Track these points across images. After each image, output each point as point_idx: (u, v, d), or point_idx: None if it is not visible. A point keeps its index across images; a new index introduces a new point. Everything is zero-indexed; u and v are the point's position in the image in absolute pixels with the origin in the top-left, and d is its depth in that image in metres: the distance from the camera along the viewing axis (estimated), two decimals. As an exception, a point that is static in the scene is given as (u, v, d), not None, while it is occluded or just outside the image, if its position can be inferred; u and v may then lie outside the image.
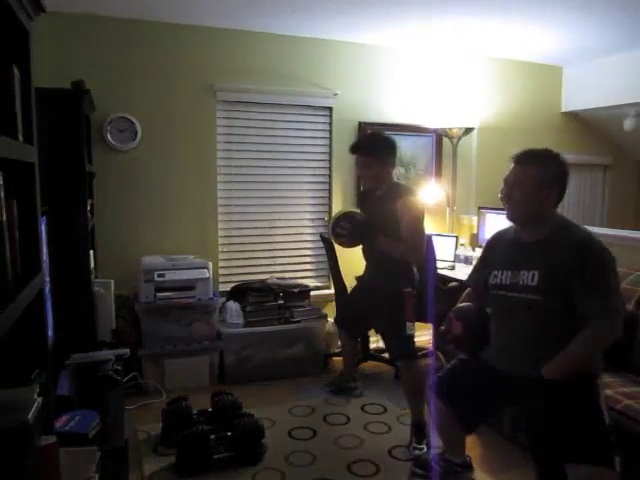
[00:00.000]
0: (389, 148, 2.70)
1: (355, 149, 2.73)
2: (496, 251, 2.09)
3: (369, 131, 2.84)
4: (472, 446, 2.56)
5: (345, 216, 2.70)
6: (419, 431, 2.66)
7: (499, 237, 2.14)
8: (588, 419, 1.76)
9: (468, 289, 2.27)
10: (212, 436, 2.53)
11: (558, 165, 1.89)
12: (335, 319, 3.38)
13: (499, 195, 1.98)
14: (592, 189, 5.36)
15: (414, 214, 2.60)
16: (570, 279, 1.78)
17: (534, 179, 1.85)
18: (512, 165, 1.93)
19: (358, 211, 2.76)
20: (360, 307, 2.91)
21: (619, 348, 2.60)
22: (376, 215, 2.69)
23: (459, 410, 2.10)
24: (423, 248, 2.65)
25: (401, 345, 2.66)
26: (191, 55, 3.71)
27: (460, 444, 2.29)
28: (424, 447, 2.61)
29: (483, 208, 4.13)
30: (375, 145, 2.69)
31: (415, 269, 2.74)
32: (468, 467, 2.33)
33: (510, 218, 1.97)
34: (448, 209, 4.38)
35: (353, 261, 3.90)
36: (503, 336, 1.99)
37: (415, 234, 2.59)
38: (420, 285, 2.77)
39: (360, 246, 2.83)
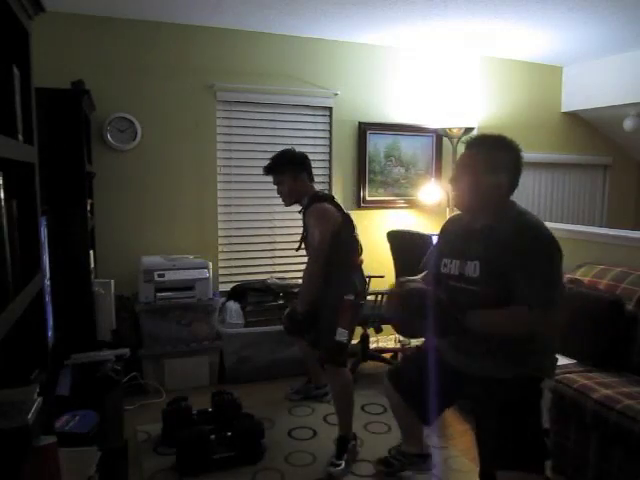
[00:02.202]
0: (294, 160, 2.70)
1: (266, 170, 2.75)
2: (448, 237, 1.99)
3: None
4: (469, 444, 2.56)
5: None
6: (341, 446, 2.56)
7: (452, 222, 2.04)
8: (524, 424, 1.70)
9: (425, 272, 2.13)
10: (212, 436, 2.53)
11: (510, 152, 1.78)
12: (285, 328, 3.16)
13: (450, 179, 1.91)
14: (592, 189, 5.36)
15: (313, 222, 2.57)
16: (507, 269, 1.69)
17: (483, 165, 1.75)
18: (464, 150, 1.85)
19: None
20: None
21: (619, 348, 2.62)
22: (306, 231, 2.68)
23: (414, 400, 2.05)
24: (321, 249, 2.53)
25: (329, 350, 2.56)
26: (191, 55, 3.71)
27: (417, 434, 2.25)
28: (342, 463, 2.50)
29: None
30: (280, 161, 2.71)
31: (362, 273, 2.68)
32: (425, 457, 2.29)
33: (456, 204, 1.89)
34: (448, 209, 4.37)
35: (353, 261, 3.90)
36: None
37: (314, 243, 2.54)
38: (364, 292, 2.70)
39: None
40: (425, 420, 2.13)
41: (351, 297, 2.58)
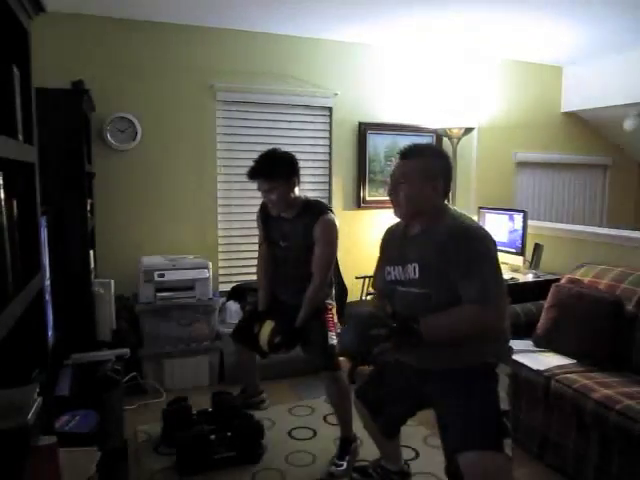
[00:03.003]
0: (290, 166, 2.52)
1: (254, 174, 2.49)
2: (388, 247, 2.05)
3: (270, 150, 2.59)
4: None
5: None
6: (344, 447, 2.56)
7: (390, 232, 2.08)
8: (479, 405, 1.74)
9: (376, 296, 2.15)
10: (212, 436, 2.53)
11: (441, 158, 1.88)
12: (231, 334, 3.04)
13: (386, 192, 1.93)
14: (592, 189, 5.36)
15: (327, 238, 2.51)
16: (445, 269, 1.74)
17: (419, 172, 1.82)
18: (397, 161, 1.91)
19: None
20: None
21: (619, 348, 2.62)
22: (296, 240, 2.55)
23: (378, 414, 2.09)
24: (330, 268, 2.59)
25: (324, 356, 2.54)
26: (191, 55, 3.71)
27: (395, 451, 2.27)
28: (344, 464, 2.48)
29: (483, 208, 4.13)
30: (276, 167, 2.47)
31: (341, 278, 2.74)
32: (405, 475, 2.31)
33: (398, 215, 1.92)
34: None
35: (353, 261, 3.90)
36: None
37: (323, 260, 2.52)
38: (342, 296, 2.71)
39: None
40: (386, 432, 2.15)
41: (330, 301, 2.66)
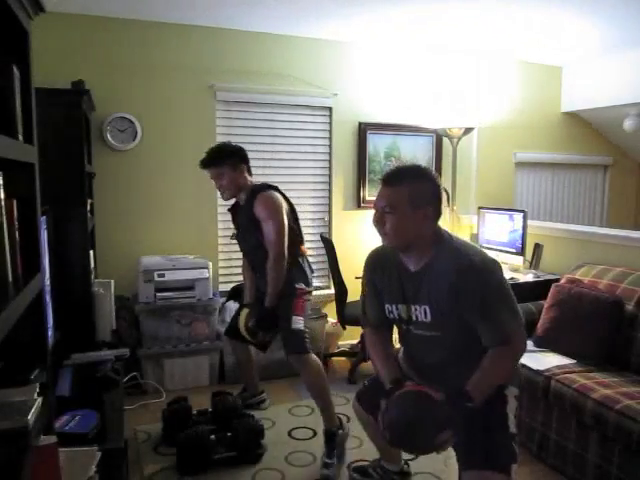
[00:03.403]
0: (234, 152, 2.66)
1: (204, 164, 2.67)
2: (382, 279, 1.85)
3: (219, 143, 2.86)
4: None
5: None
6: (330, 441, 2.52)
7: (379, 260, 1.88)
8: (490, 428, 1.69)
9: (370, 329, 1.98)
10: (212, 436, 2.53)
11: (429, 181, 1.71)
12: (224, 332, 3.11)
13: (373, 221, 1.75)
14: (592, 189, 5.36)
15: (266, 213, 2.53)
16: (459, 310, 1.65)
17: (405, 200, 1.65)
18: (381, 187, 1.72)
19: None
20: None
21: (619, 348, 2.62)
22: (245, 226, 2.67)
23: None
24: (282, 240, 2.53)
25: (289, 340, 2.55)
26: (191, 55, 3.71)
27: (395, 452, 2.22)
28: (334, 461, 2.46)
29: (483, 208, 4.13)
30: (220, 154, 2.65)
31: (308, 263, 2.74)
32: (405, 475, 2.28)
33: (387, 245, 1.78)
34: (448, 209, 4.37)
35: (353, 261, 3.90)
36: (419, 364, 1.90)
37: (271, 236, 2.51)
38: (311, 280, 2.71)
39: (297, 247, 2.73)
40: None
41: (302, 285, 2.63)
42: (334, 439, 2.54)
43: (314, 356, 2.59)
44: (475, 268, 1.65)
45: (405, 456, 2.34)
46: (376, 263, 1.89)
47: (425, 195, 1.69)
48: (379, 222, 1.71)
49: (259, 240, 2.59)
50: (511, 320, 1.68)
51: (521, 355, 1.74)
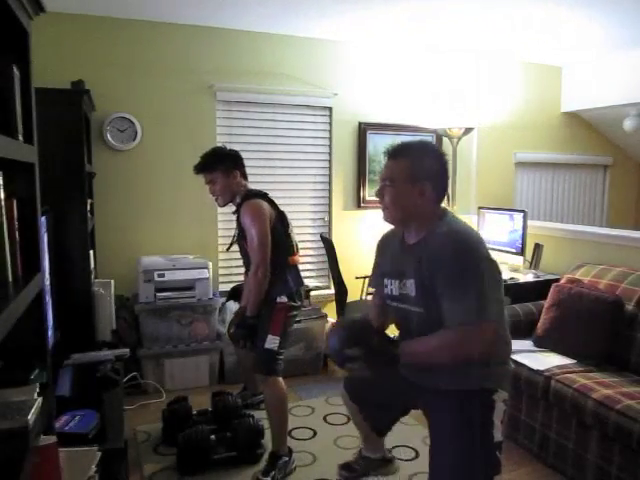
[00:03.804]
0: (227, 158, 2.60)
1: (197, 169, 2.62)
2: (386, 255, 1.89)
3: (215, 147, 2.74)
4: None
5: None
6: (271, 461, 2.44)
7: (388, 238, 1.92)
8: (473, 435, 1.63)
9: (374, 293, 2.04)
10: (212, 436, 2.53)
11: (432, 158, 1.71)
12: (227, 332, 3.01)
13: (375, 193, 1.80)
14: (592, 189, 5.36)
15: (249, 221, 2.43)
16: (437, 286, 1.61)
17: (404, 174, 1.67)
18: (385, 160, 1.75)
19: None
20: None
21: (619, 348, 2.62)
22: (238, 232, 2.57)
23: (368, 410, 2.02)
24: (264, 250, 2.41)
25: (259, 358, 2.45)
26: (191, 55, 3.71)
27: (377, 440, 2.19)
28: (268, 479, 2.38)
29: (483, 208, 4.13)
30: (213, 159, 2.59)
31: (297, 273, 2.58)
32: (387, 461, 2.25)
33: (385, 218, 1.78)
34: (448, 209, 4.37)
35: (353, 261, 3.90)
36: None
37: (254, 244, 2.41)
38: (300, 292, 2.58)
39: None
40: (378, 431, 2.08)
41: (284, 299, 2.47)
42: (276, 462, 2.43)
43: (280, 380, 2.47)
44: (455, 245, 1.62)
45: (406, 456, 2.34)
46: (383, 240, 1.95)
47: (425, 170, 1.68)
48: (380, 195, 1.74)
49: (245, 248, 2.53)
50: (476, 308, 1.56)
51: (471, 352, 1.60)
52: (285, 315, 2.47)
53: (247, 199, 2.52)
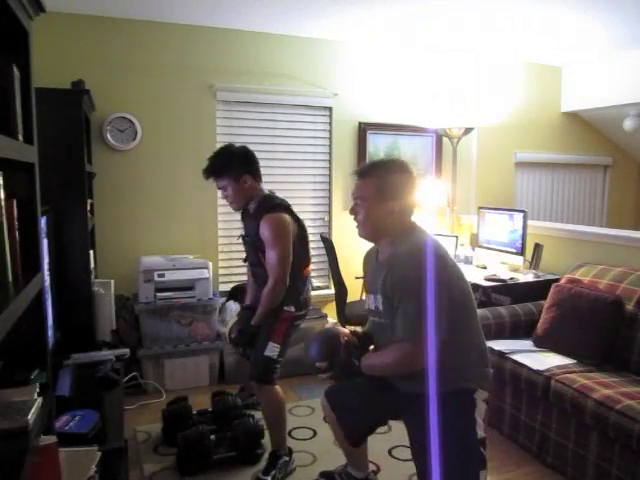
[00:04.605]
0: (236, 162, 2.40)
1: (206, 175, 2.44)
2: (367, 270, 2.02)
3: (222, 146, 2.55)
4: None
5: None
6: (270, 461, 2.44)
7: (369, 254, 2.02)
8: (457, 434, 1.68)
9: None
10: (212, 436, 2.53)
11: (397, 176, 1.77)
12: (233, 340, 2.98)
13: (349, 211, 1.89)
14: (592, 189, 5.36)
15: (272, 238, 2.32)
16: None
17: (372, 192, 1.75)
18: (355, 179, 1.84)
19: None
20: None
21: (619, 348, 2.62)
22: (251, 237, 2.45)
23: (345, 416, 2.03)
24: (284, 269, 2.33)
25: (256, 365, 2.42)
26: (191, 55, 3.71)
27: (361, 457, 2.20)
28: (268, 479, 2.37)
29: (483, 208, 4.13)
30: (221, 163, 2.41)
31: (307, 284, 2.52)
32: None
33: (359, 234, 1.85)
34: (448, 209, 4.38)
35: (353, 261, 3.90)
36: None
37: (273, 261, 2.32)
38: (307, 301, 2.53)
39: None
40: (352, 440, 2.05)
41: (292, 309, 2.43)
42: (276, 461, 2.43)
43: (277, 388, 2.45)
44: (400, 259, 1.71)
45: (405, 456, 2.33)
46: (366, 257, 2.05)
47: (393, 188, 1.76)
48: (353, 212, 1.83)
49: (260, 259, 2.43)
50: (416, 323, 1.63)
51: (414, 364, 1.67)
52: (289, 324, 2.45)
53: (270, 211, 2.36)
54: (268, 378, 2.41)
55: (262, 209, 2.38)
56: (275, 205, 2.40)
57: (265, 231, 2.33)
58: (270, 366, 2.40)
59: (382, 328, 1.81)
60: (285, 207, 2.44)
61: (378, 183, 1.75)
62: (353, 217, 1.84)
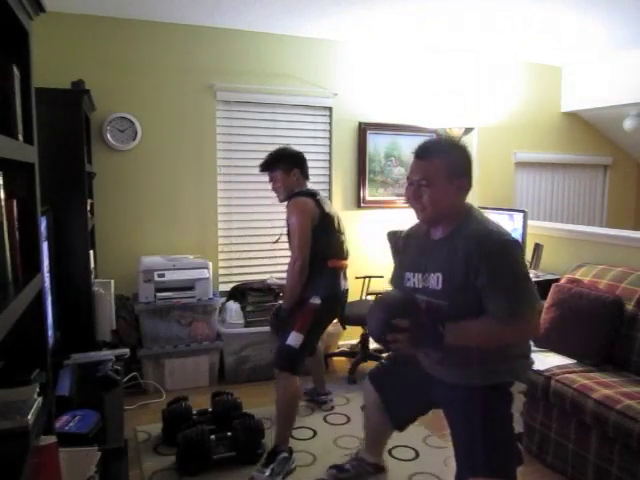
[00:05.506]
0: (288, 157, 2.71)
1: (261, 167, 2.77)
2: (408, 250, 1.94)
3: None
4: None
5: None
6: (271, 455, 2.45)
7: (411, 234, 1.97)
8: (491, 430, 1.67)
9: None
10: (212, 436, 2.53)
11: (462, 151, 1.75)
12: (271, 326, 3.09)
13: (404, 197, 1.82)
14: (592, 189, 5.36)
15: (293, 218, 2.54)
16: (471, 279, 1.63)
17: (440, 173, 1.69)
18: (414, 161, 1.76)
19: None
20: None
21: (619, 348, 2.62)
22: (287, 227, 2.66)
23: (391, 404, 2.03)
24: (302, 247, 2.49)
25: (280, 352, 2.51)
26: (191, 55, 3.71)
27: (379, 443, 2.21)
28: (266, 471, 2.38)
29: (483, 208, 4.13)
30: (273, 159, 2.72)
31: (334, 277, 2.60)
32: (379, 469, 2.29)
33: (421, 219, 1.80)
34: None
35: (354, 261, 3.90)
36: None
37: (295, 239, 2.52)
38: (336, 296, 2.62)
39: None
40: (398, 425, 2.10)
41: (317, 301, 2.51)
42: (276, 457, 2.44)
43: (296, 380, 2.48)
44: (493, 239, 1.66)
45: (406, 456, 2.33)
46: (408, 236, 1.98)
47: (460, 166, 1.73)
48: (415, 196, 1.73)
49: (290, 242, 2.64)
50: (521, 299, 1.63)
51: (519, 340, 1.71)
52: (314, 316, 2.50)
53: (295, 196, 2.61)
54: (289, 366, 2.47)
55: (291, 197, 2.63)
56: (302, 192, 2.65)
57: (289, 214, 2.59)
58: (291, 355, 2.46)
59: (436, 307, 1.71)
60: (309, 193, 2.65)
61: (445, 163, 1.70)
62: (412, 201, 1.75)
